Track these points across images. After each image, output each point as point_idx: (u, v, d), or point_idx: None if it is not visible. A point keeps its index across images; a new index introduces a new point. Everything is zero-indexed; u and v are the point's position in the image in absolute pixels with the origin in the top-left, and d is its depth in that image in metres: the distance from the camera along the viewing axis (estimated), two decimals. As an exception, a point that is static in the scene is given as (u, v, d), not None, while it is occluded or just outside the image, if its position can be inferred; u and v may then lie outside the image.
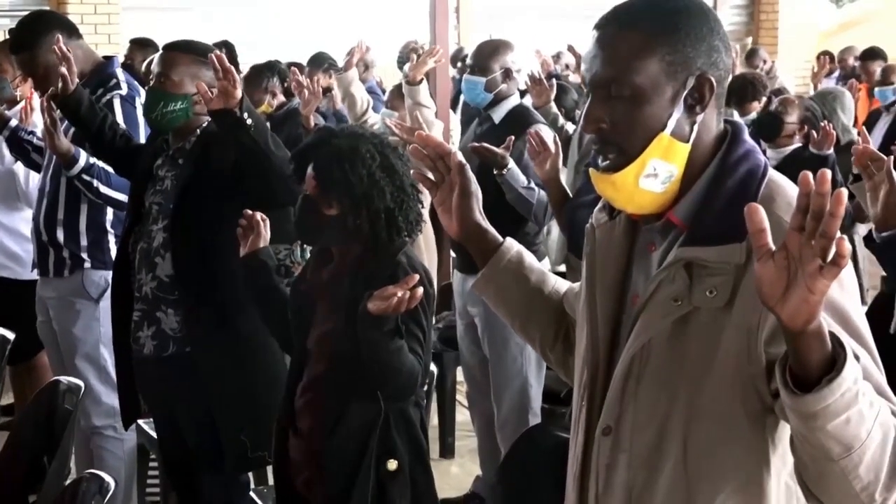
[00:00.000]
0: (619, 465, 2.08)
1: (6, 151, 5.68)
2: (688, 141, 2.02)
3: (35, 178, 5.59)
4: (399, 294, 3.11)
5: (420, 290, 3.12)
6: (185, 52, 4.13)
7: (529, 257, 2.45)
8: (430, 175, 2.42)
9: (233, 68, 3.81)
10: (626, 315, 2.10)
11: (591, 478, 2.13)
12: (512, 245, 2.43)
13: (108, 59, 5.12)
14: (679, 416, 2.01)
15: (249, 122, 3.80)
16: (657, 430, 2.03)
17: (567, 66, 11.01)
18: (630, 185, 2.02)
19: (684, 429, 2.00)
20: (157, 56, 4.19)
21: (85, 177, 4.65)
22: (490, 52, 5.34)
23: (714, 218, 1.98)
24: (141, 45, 8.83)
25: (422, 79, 6.24)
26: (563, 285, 2.48)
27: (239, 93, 3.79)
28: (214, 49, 4.23)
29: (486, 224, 2.41)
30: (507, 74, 5.26)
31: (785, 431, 1.96)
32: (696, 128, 2.03)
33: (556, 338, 2.46)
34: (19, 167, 5.67)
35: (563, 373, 2.49)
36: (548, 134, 4.93)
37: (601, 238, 2.18)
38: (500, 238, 2.43)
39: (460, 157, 2.37)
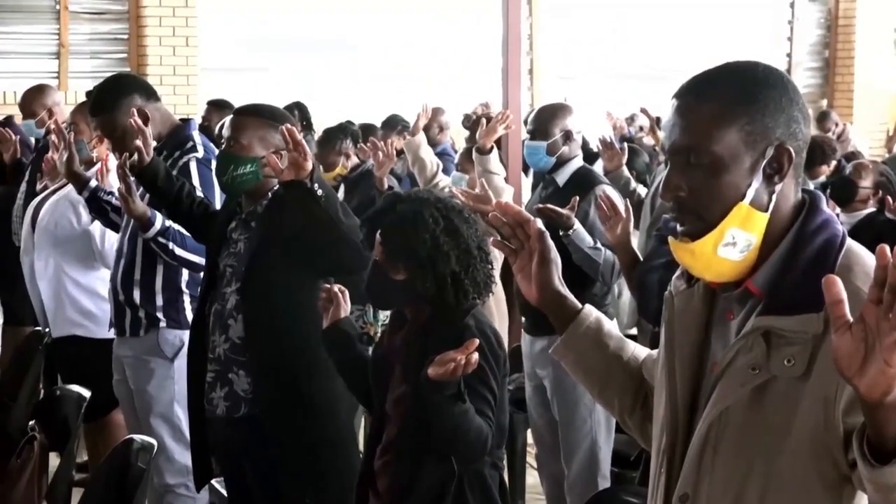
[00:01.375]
0: None
1: (83, 212, 5.77)
2: (766, 210, 2.03)
3: (111, 239, 5.68)
4: (457, 359, 3.14)
5: (475, 356, 3.15)
6: (253, 115, 4.17)
7: (608, 324, 2.46)
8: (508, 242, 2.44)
9: (303, 141, 3.83)
10: (705, 382, 2.10)
11: None
12: (591, 312, 2.44)
13: (186, 122, 5.18)
14: (756, 484, 2.00)
15: (320, 192, 3.82)
16: (734, 499, 2.02)
17: (641, 129, 11.01)
18: (708, 254, 2.03)
19: (761, 498, 2.00)
20: (226, 120, 4.24)
21: (161, 239, 4.70)
22: (549, 115, 5.38)
23: (792, 287, 1.98)
24: (218, 107, 8.96)
25: (492, 147, 6.27)
26: (641, 352, 2.48)
27: (310, 164, 3.81)
28: (285, 113, 4.29)
29: (564, 290, 2.41)
30: (568, 137, 5.29)
31: (862, 502, 1.95)
32: (774, 197, 2.04)
33: (635, 404, 2.46)
34: (96, 227, 5.74)
35: (641, 439, 2.48)
36: (615, 196, 4.94)
37: (680, 305, 2.18)
38: (578, 304, 2.43)
39: (539, 224, 2.39)
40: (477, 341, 3.17)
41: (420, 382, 3.24)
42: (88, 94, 6.46)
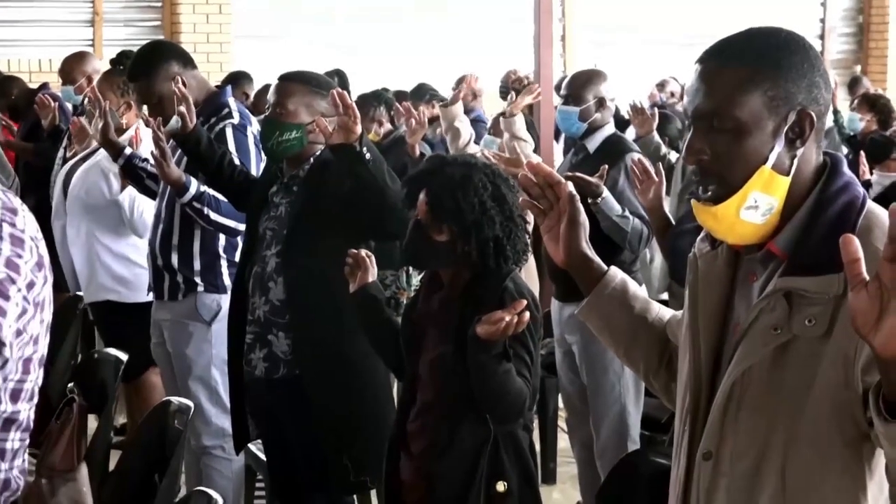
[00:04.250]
0: (720, 489, 2.12)
1: (114, 181, 5.83)
2: (788, 174, 2.08)
3: (140, 208, 5.75)
4: (507, 318, 3.18)
5: (527, 314, 3.19)
6: (300, 82, 4.23)
7: (633, 285, 2.50)
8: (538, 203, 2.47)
9: (354, 105, 3.89)
10: (728, 343, 2.15)
11: (692, 501, 2.17)
12: (616, 273, 2.48)
13: (221, 89, 5.22)
14: (778, 442, 2.05)
15: (368, 156, 3.88)
16: (756, 456, 2.07)
17: (672, 95, 10.99)
18: (731, 217, 2.07)
19: (783, 455, 2.05)
20: (272, 86, 4.29)
21: (196, 204, 4.75)
22: (583, 81, 5.38)
23: (813, 249, 2.03)
24: (234, 81, 9.03)
25: (517, 112, 6.28)
26: (666, 313, 2.52)
27: (359, 128, 3.86)
28: (329, 80, 4.33)
29: (591, 253, 2.45)
30: (601, 104, 5.29)
31: (881, 459, 2.00)
32: (796, 161, 2.08)
33: (660, 364, 2.50)
34: (125, 197, 5.79)
35: (666, 399, 2.53)
36: (647, 162, 4.96)
37: (703, 267, 2.22)
38: (604, 266, 2.47)
39: (570, 187, 2.43)
40: (525, 301, 3.22)
41: (468, 340, 3.28)
42: (113, 62, 6.54)
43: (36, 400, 2.19)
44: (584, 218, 2.44)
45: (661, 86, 11.35)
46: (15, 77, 9.15)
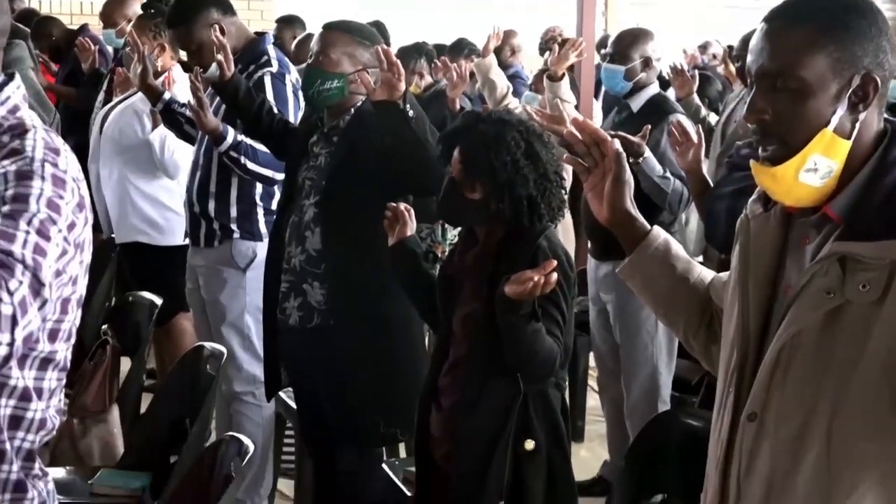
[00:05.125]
0: (763, 451, 2.11)
1: (147, 121, 5.85)
2: (849, 138, 2.05)
3: (171, 148, 5.76)
4: (535, 278, 3.16)
5: (555, 275, 3.18)
6: (344, 31, 4.21)
7: (676, 245, 2.48)
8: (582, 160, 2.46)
9: (398, 62, 3.87)
10: (778, 305, 2.13)
11: (735, 462, 2.16)
12: (659, 233, 2.46)
13: (260, 36, 5.19)
14: (825, 407, 2.03)
15: (411, 113, 3.86)
16: (802, 420, 2.06)
17: (714, 57, 10.90)
18: (790, 179, 2.05)
19: (829, 420, 2.03)
20: (316, 34, 4.27)
21: (233, 153, 4.75)
22: (630, 40, 5.35)
23: (870, 214, 2.01)
24: (289, 23, 9.00)
25: (563, 74, 6.25)
26: (708, 274, 2.51)
27: (403, 85, 3.84)
28: (373, 31, 4.31)
29: (635, 212, 2.44)
30: (647, 63, 5.26)
31: None
32: (857, 125, 2.06)
33: (700, 325, 2.48)
34: (155, 137, 5.81)
35: (704, 361, 2.52)
36: (689, 124, 4.92)
37: (755, 229, 2.20)
38: (647, 226, 2.46)
39: (617, 145, 2.41)
40: (554, 262, 3.20)
41: (496, 300, 3.28)
42: (145, 6, 6.53)
43: (73, 341, 2.19)
44: (629, 176, 2.43)
45: (704, 48, 11.25)
46: (54, 18, 9.15)
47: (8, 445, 2.12)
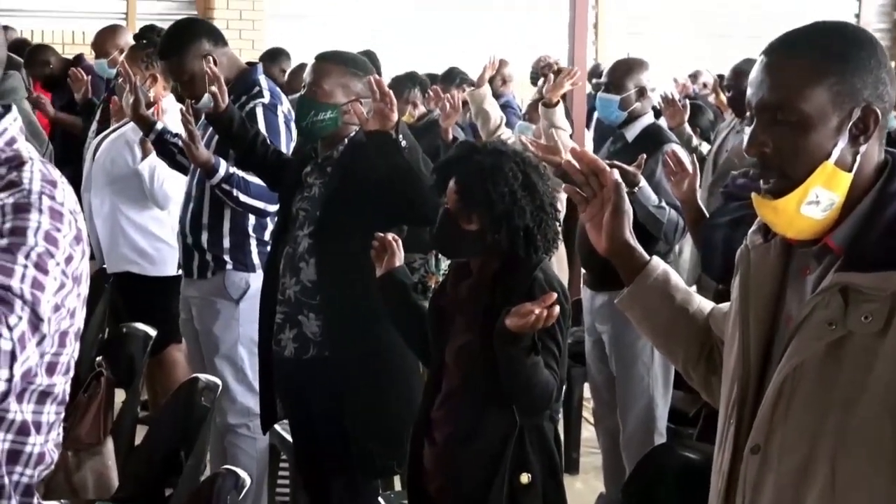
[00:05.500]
0: (767, 484, 2.10)
1: (137, 151, 5.85)
2: (850, 170, 2.05)
3: (161, 178, 5.76)
4: (537, 311, 3.15)
5: (557, 308, 3.16)
6: (336, 63, 4.21)
7: (675, 276, 2.48)
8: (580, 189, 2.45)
9: (391, 92, 3.87)
10: (779, 336, 2.13)
11: (738, 495, 2.15)
12: (658, 264, 2.46)
13: (252, 66, 5.20)
14: (828, 439, 2.03)
15: (404, 143, 3.86)
16: (806, 452, 2.05)
17: (705, 86, 10.93)
18: (791, 211, 2.05)
19: (833, 451, 2.02)
20: (309, 65, 4.27)
21: (224, 186, 4.73)
22: (625, 70, 5.37)
23: (872, 245, 2.01)
24: (273, 57, 9.02)
25: (558, 101, 6.27)
26: (707, 305, 2.50)
27: (395, 116, 3.85)
28: (366, 61, 4.31)
29: (634, 242, 2.43)
30: (642, 93, 5.28)
31: None
32: (859, 157, 2.06)
33: (700, 357, 2.48)
34: (144, 167, 5.81)
35: (704, 392, 2.51)
36: (683, 154, 4.93)
37: (756, 259, 2.20)
38: (646, 256, 2.45)
39: (616, 175, 2.40)
40: (555, 295, 3.19)
41: (496, 332, 3.26)
42: (136, 37, 6.54)
43: (72, 374, 2.18)
44: (628, 206, 2.43)
45: (694, 77, 11.28)
46: (49, 46, 9.12)
47: (6, 480, 2.11)
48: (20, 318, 1.91)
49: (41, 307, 1.95)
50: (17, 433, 2.11)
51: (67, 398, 2.19)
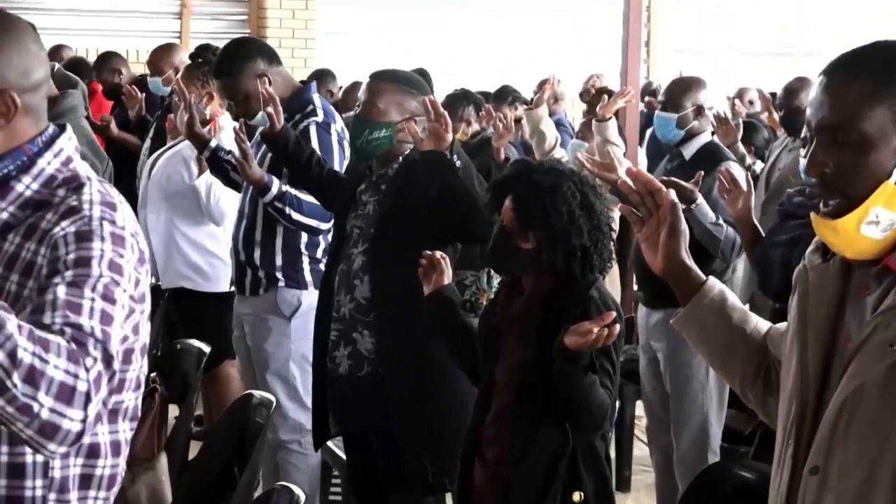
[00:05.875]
0: None
1: (194, 167, 5.88)
2: None
3: (217, 194, 5.79)
4: (596, 330, 3.15)
5: (617, 327, 3.16)
6: (391, 81, 4.24)
7: (732, 296, 2.46)
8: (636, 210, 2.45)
9: (445, 113, 3.89)
10: (838, 357, 2.11)
11: None
12: (715, 283, 2.44)
13: (306, 85, 5.22)
14: (889, 461, 2.01)
15: (458, 163, 3.88)
16: (866, 474, 2.03)
17: (751, 103, 10.84)
18: (851, 231, 2.04)
19: (894, 474, 2.01)
20: (364, 84, 4.29)
21: (277, 204, 4.75)
22: (682, 89, 5.37)
23: None
24: (320, 78, 9.04)
25: (611, 116, 6.27)
26: (764, 325, 2.48)
27: (450, 136, 3.88)
28: (421, 80, 4.33)
29: (690, 262, 2.42)
30: (699, 111, 5.28)
31: None
32: None
33: (757, 377, 2.45)
34: (201, 183, 5.84)
35: (761, 412, 2.49)
36: (739, 172, 4.91)
37: (814, 279, 2.19)
38: (703, 276, 2.44)
39: (672, 195, 2.40)
40: (613, 314, 3.19)
41: (554, 350, 3.25)
42: (192, 56, 6.57)
43: (142, 389, 2.19)
44: (684, 226, 2.41)
45: (740, 95, 11.21)
46: (121, 56, 9.09)
47: None
48: (95, 359, 1.92)
49: (111, 344, 1.96)
50: (87, 456, 2.12)
51: (139, 413, 2.20)
